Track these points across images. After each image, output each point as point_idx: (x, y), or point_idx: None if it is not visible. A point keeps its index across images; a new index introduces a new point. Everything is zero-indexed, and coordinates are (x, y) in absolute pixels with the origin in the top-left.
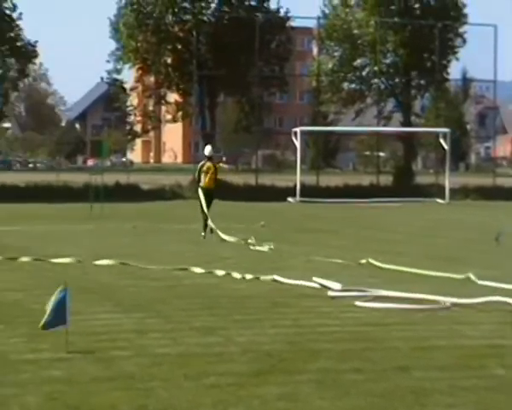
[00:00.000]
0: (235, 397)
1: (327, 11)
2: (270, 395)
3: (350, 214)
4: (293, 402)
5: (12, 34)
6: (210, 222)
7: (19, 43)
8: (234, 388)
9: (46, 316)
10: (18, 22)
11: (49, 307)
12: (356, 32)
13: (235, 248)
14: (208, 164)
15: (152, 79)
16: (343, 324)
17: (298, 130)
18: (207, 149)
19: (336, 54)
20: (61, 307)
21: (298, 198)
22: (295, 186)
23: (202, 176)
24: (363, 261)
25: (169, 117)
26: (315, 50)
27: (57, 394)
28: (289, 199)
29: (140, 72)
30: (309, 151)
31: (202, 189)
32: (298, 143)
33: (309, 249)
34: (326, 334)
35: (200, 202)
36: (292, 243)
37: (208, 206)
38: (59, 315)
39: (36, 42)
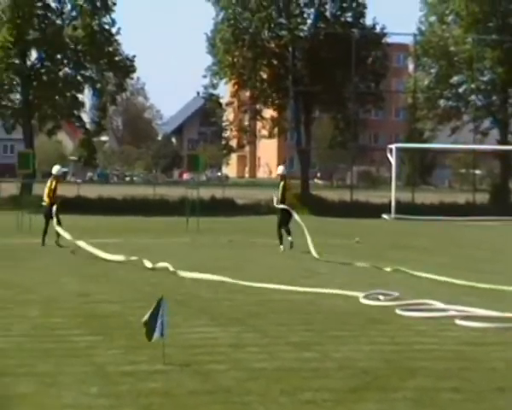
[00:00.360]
0: None
1: (423, 28)
2: None
3: (445, 232)
4: None
5: (110, 49)
6: (290, 237)
7: (117, 58)
8: (330, 404)
9: (146, 327)
10: (116, 37)
11: (147, 319)
12: (452, 48)
13: (331, 263)
14: (282, 183)
15: (248, 94)
16: (441, 342)
17: (393, 146)
18: (280, 169)
19: (432, 70)
20: (158, 319)
21: (393, 215)
22: (390, 203)
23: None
24: (458, 281)
25: (265, 132)
26: (411, 67)
27: (154, 406)
28: (384, 216)
29: (236, 87)
30: (404, 168)
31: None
32: (393, 160)
33: (404, 267)
34: (423, 352)
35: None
36: (387, 259)
37: (286, 222)
38: (157, 327)
39: (134, 56)
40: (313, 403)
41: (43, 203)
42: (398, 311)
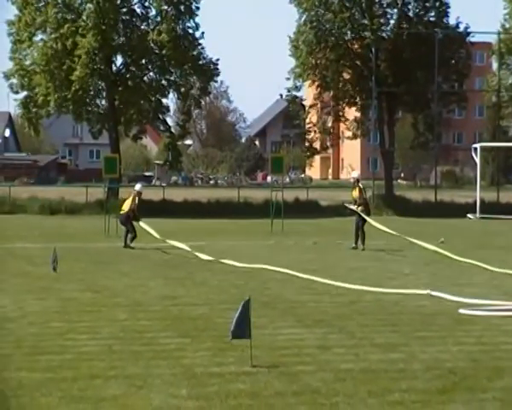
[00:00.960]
0: None
1: (507, 25)
2: None
3: None
4: None
5: (194, 53)
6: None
7: (201, 62)
8: (418, 405)
9: (232, 326)
10: (200, 41)
11: (234, 319)
12: None
13: (415, 264)
14: (357, 188)
15: (330, 95)
16: None
17: (478, 146)
18: (355, 173)
19: None
20: (244, 319)
21: (478, 215)
22: (475, 202)
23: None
24: None
25: (349, 134)
26: (494, 65)
27: (243, 407)
28: (469, 215)
29: (319, 89)
30: (488, 167)
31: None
32: (478, 159)
33: (492, 266)
34: (511, 352)
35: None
36: (473, 259)
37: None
38: (243, 328)
39: (217, 60)
40: (401, 404)
41: (121, 212)
42: (461, 310)
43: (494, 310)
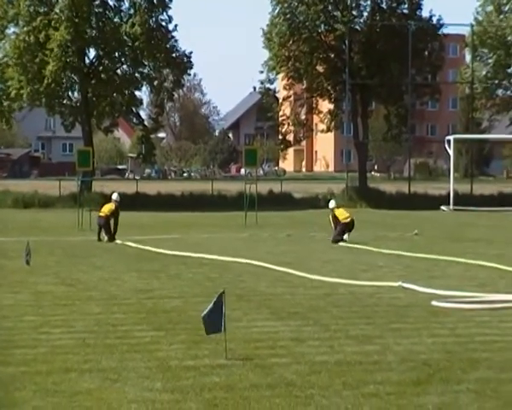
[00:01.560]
0: (395, 406)
1: (480, 18)
2: (430, 404)
3: (505, 223)
4: None
5: (167, 46)
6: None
7: (174, 55)
8: (393, 397)
9: (204, 321)
10: (173, 34)
11: (206, 313)
12: (510, 38)
13: (389, 256)
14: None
15: (304, 87)
16: (503, 333)
17: (451, 138)
18: (331, 203)
19: (490, 61)
20: (218, 313)
21: (451, 206)
22: (449, 194)
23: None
24: None
25: (322, 127)
26: (468, 57)
27: (218, 400)
28: (443, 207)
29: (292, 81)
30: (462, 159)
31: None
32: (451, 151)
33: (465, 258)
34: (485, 343)
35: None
36: (447, 251)
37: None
38: (217, 321)
39: (191, 53)
40: (376, 396)
41: (101, 214)
42: (434, 302)
43: (467, 302)
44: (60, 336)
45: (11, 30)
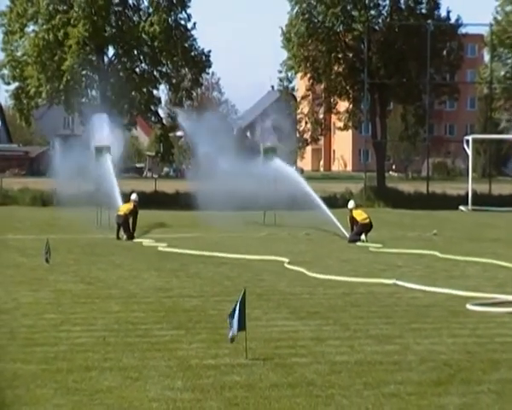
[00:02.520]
0: (416, 407)
1: (499, 17)
2: (451, 405)
3: None
4: None
5: (186, 44)
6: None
7: (193, 53)
8: (414, 397)
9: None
10: (192, 32)
11: (231, 314)
12: None
13: (408, 256)
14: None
15: (322, 87)
16: None
17: (470, 138)
18: (350, 204)
19: (509, 61)
20: (240, 313)
21: (470, 206)
22: (467, 194)
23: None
24: None
25: (340, 125)
26: (486, 57)
27: (238, 399)
28: (461, 207)
29: (311, 80)
30: (480, 159)
31: None
32: (470, 151)
33: (484, 258)
34: (506, 344)
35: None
36: (466, 251)
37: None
38: (238, 320)
39: (209, 51)
40: (397, 396)
41: (120, 213)
42: (468, 306)
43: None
44: (80, 335)
45: (30, 28)
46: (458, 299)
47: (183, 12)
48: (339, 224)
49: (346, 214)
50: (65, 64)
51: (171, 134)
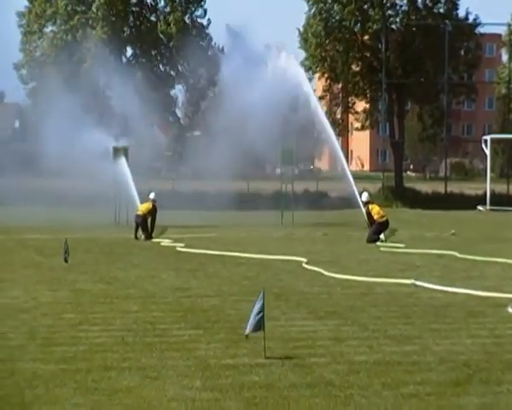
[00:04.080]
0: (436, 407)
1: None
2: (471, 405)
3: None
4: None
5: (203, 43)
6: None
7: (209, 53)
8: (433, 397)
9: (250, 321)
10: (208, 31)
11: (251, 313)
12: None
13: (427, 256)
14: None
15: (340, 87)
16: None
17: (488, 138)
18: (364, 196)
19: None
20: (259, 312)
21: (488, 206)
22: (485, 194)
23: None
24: None
25: (357, 125)
26: (504, 57)
27: (257, 399)
28: (479, 207)
29: (328, 81)
30: (497, 159)
31: None
32: (488, 151)
33: (502, 258)
34: None
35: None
36: (484, 252)
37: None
38: (257, 321)
39: (223, 48)
40: (416, 397)
41: (139, 213)
42: (510, 309)
43: None
44: (99, 334)
45: (49, 29)
46: (477, 299)
47: (200, 9)
48: None
49: (362, 214)
50: (83, 66)
51: (188, 134)
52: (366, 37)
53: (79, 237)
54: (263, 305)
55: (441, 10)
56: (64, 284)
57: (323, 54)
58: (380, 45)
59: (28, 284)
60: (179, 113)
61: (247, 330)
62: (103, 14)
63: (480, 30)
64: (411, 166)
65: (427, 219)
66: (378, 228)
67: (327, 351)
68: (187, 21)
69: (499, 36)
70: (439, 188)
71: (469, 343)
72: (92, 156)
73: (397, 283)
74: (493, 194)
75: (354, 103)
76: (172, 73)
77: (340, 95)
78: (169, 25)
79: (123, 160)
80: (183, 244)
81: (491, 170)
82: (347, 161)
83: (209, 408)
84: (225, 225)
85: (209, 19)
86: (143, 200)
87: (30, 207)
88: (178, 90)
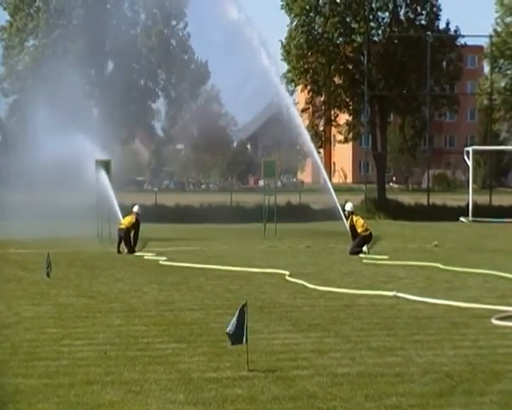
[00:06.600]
0: None
1: (499, 29)
2: None
3: None
4: None
5: (185, 57)
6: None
7: (192, 66)
8: (416, 409)
9: (231, 331)
10: (190, 44)
11: (233, 324)
12: None
13: (409, 268)
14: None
15: (322, 99)
16: None
17: (470, 149)
18: (348, 206)
19: (509, 72)
20: (241, 325)
21: (470, 218)
22: (467, 206)
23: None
24: None
25: (340, 137)
26: (486, 68)
27: None
28: (462, 219)
29: (311, 93)
30: (480, 170)
31: None
32: (470, 163)
33: (485, 269)
34: (507, 355)
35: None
36: (467, 263)
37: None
38: (240, 333)
39: (206, 61)
40: (399, 408)
41: (122, 226)
42: (493, 320)
43: None
44: (81, 349)
45: (30, 42)
46: (459, 310)
47: (181, 22)
48: None
49: (345, 226)
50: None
51: (171, 147)
52: (349, 49)
53: (62, 252)
54: (244, 317)
55: (423, 22)
56: (46, 299)
57: (306, 66)
58: (362, 57)
59: (10, 298)
60: (159, 126)
61: (228, 328)
62: (84, 28)
63: (462, 42)
64: (394, 178)
65: (409, 231)
66: (361, 241)
67: (310, 363)
68: (166, 32)
69: (481, 48)
70: (422, 199)
71: (452, 355)
72: (74, 170)
73: (380, 294)
74: (475, 205)
75: (337, 116)
76: (153, 86)
77: (323, 107)
78: (150, 37)
79: (103, 173)
80: (165, 258)
81: (474, 181)
82: (330, 173)
83: None
84: (208, 237)
85: (188, 32)
86: (125, 214)
87: (12, 221)
88: (160, 104)
